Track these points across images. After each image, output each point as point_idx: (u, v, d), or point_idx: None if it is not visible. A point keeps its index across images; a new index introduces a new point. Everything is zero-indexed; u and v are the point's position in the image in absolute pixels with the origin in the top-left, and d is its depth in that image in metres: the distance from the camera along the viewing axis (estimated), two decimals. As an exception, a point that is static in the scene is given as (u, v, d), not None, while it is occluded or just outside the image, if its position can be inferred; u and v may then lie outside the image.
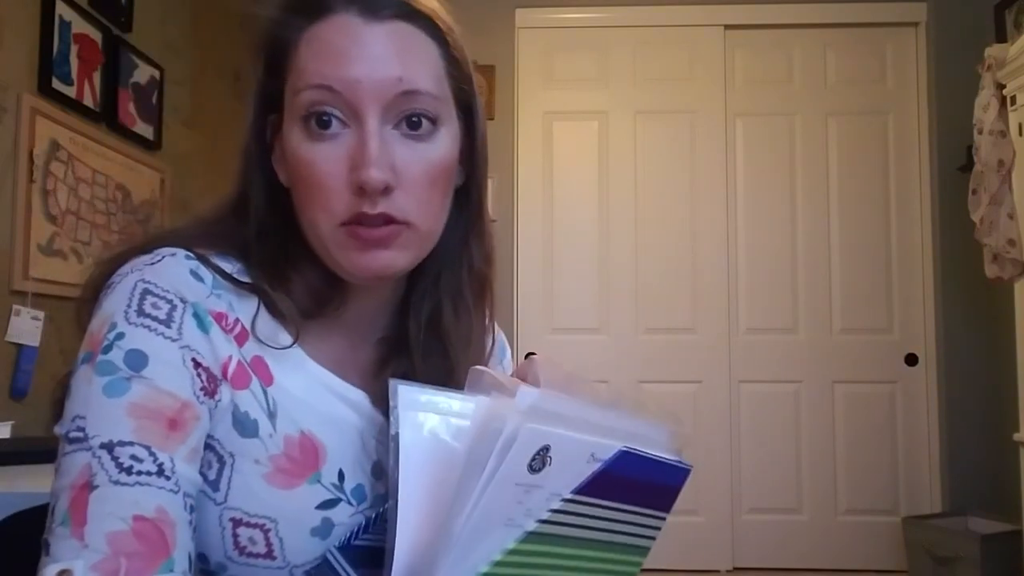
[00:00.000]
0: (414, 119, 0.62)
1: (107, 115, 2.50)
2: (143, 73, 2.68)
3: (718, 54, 3.43)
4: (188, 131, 2.99)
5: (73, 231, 2.31)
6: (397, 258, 0.63)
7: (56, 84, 2.24)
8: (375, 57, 0.61)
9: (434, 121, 0.64)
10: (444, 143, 0.65)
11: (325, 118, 0.61)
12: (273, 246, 0.66)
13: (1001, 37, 3.05)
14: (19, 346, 2.09)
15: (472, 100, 0.69)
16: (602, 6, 3.46)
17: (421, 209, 0.63)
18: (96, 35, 2.43)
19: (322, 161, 0.61)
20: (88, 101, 2.40)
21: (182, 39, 2.97)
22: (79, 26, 2.34)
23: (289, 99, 0.63)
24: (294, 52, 0.63)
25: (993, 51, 2.57)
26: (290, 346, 0.64)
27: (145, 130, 2.70)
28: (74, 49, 2.33)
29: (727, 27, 3.43)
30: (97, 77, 2.45)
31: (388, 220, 0.61)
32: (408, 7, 0.63)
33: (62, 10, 2.26)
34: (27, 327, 2.10)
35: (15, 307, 2.07)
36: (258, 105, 0.67)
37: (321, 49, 0.61)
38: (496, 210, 3.23)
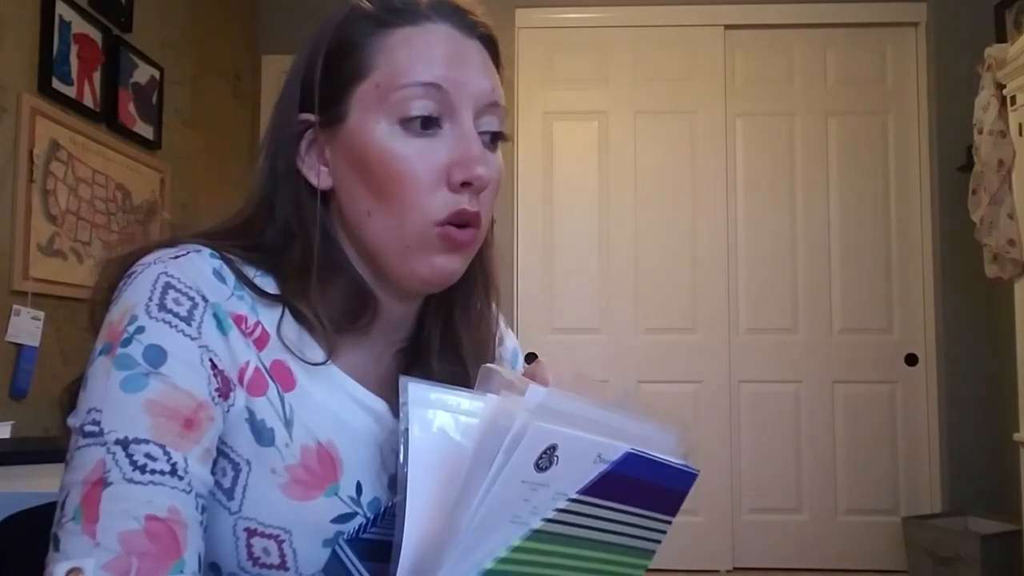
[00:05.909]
0: (495, 132, 0.67)
1: (107, 115, 2.49)
2: (143, 73, 2.68)
3: (718, 54, 3.44)
4: (188, 131, 2.99)
5: (73, 231, 2.31)
6: (463, 264, 0.66)
7: (56, 84, 2.23)
8: (475, 66, 0.65)
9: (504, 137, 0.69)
10: (500, 156, 0.69)
11: (434, 116, 0.63)
12: (303, 256, 0.65)
13: (1001, 37, 3.05)
14: (19, 346, 2.08)
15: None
16: (602, 6, 3.46)
17: (489, 214, 0.68)
18: (96, 35, 2.43)
19: (420, 158, 0.62)
20: (88, 101, 2.39)
21: (182, 39, 2.96)
22: (79, 26, 2.34)
23: (374, 95, 0.63)
24: (381, 51, 0.64)
25: (993, 51, 2.57)
26: (323, 363, 0.64)
27: (145, 130, 2.69)
28: (74, 49, 2.32)
29: (727, 27, 3.43)
30: (97, 77, 2.44)
31: (478, 221, 0.65)
32: (488, 32, 0.69)
33: (62, 10, 2.25)
34: (27, 327, 2.10)
35: (15, 307, 2.07)
36: (295, 106, 0.67)
37: (425, 51, 0.64)
38: (496, 210, 3.23)
